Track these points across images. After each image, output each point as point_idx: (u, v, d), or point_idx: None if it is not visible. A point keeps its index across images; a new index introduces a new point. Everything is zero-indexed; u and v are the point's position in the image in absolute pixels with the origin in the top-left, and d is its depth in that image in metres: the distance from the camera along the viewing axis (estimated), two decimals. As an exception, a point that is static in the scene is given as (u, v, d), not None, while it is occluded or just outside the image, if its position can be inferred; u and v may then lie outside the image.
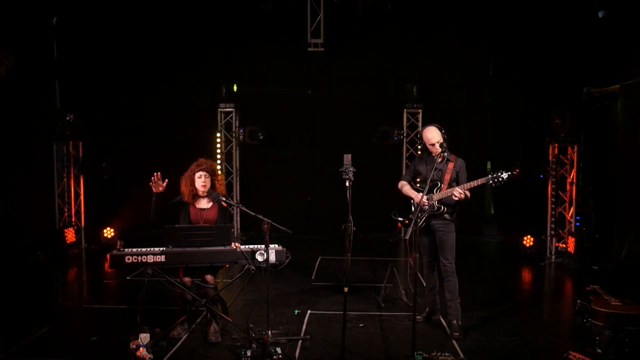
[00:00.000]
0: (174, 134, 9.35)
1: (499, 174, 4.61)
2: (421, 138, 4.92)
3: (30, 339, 4.59)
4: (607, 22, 7.81)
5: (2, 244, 7.21)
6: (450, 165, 4.78)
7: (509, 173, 4.60)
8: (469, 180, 4.76)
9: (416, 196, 4.88)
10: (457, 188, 4.63)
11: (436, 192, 4.79)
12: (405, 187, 5.01)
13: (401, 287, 5.73)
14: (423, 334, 4.71)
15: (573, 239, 7.58)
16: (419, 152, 9.28)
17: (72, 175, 8.56)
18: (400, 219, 5.03)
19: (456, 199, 4.61)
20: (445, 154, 4.71)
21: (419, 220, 4.79)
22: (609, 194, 7.80)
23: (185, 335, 4.67)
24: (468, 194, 4.67)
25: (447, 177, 4.77)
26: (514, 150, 8.72)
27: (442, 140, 4.74)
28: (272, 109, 9.59)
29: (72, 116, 8.26)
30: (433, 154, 4.80)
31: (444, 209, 4.78)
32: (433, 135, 4.75)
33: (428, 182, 4.59)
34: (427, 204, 4.76)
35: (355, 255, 5.14)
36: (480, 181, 4.69)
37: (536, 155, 8.18)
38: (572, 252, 7.54)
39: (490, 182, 4.65)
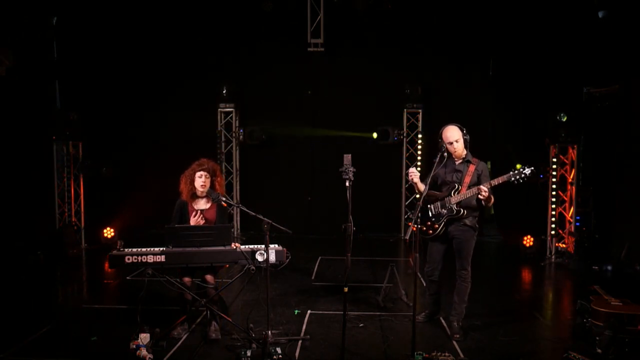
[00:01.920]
0: (173, 134, 9.34)
1: (522, 170, 4.34)
2: (440, 138, 4.61)
3: (30, 339, 4.59)
4: (607, 22, 7.81)
5: (2, 244, 7.22)
6: (472, 167, 4.57)
7: (532, 169, 4.34)
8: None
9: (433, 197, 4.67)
10: (482, 186, 4.36)
11: (454, 194, 4.60)
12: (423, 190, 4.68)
13: (401, 287, 5.73)
14: (423, 334, 4.71)
15: (573, 239, 7.58)
16: (419, 152, 9.32)
17: (72, 175, 8.57)
18: (417, 225, 4.88)
19: (482, 197, 4.37)
20: (467, 155, 4.57)
21: (437, 225, 4.66)
22: (609, 194, 7.80)
23: (185, 335, 4.67)
24: (491, 195, 4.45)
25: (467, 179, 4.56)
26: (514, 150, 8.72)
27: (461, 139, 4.54)
28: (272, 109, 9.59)
29: (76, 115, 8.28)
30: (452, 154, 4.57)
31: (463, 212, 4.56)
32: (452, 133, 4.53)
33: (428, 181, 4.40)
34: (443, 207, 4.61)
35: (355, 255, 5.12)
36: (502, 179, 4.40)
37: (536, 155, 8.19)
38: (572, 252, 7.54)
39: (512, 179, 4.37)
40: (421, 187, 4.60)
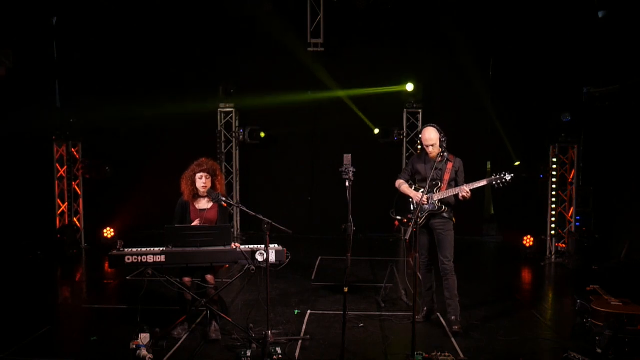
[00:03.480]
0: (173, 134, 9.35)
1: (502, 175, 4.62)
2: (420, 137, 4.94)
3: (30, 339, 4.59)
4: (607, 22, 7.81)
5: (2, 243, 7.22)
6: (450, 165, 4.82)
7: (512, 175, 4.62)
8: (468, 180, 4.77)
9: (415, 195, 4.89)
10: (464, 187, 4.65)
11: (436, 191, 4.82)
12: (404, 186, 5.02)
13: (401, 287, 5.74)
14: (423, 334, 4.71)
15: (573, 239, 7.58)
16: (419, 152, 9.30)
17: (72, 175, 8.57)
18: (399, 217, 5.03)
19: (462, 198, 4.65)
20: (445, 154, 4.75)
21: (419, 219, 4.81)
22: (609, 194, 7.80)
23: (185, 335, 4.67)
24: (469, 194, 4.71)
25: (447, 177, 4.81)
26: (513, 150, 8.72)
27: (438, 143, 4.77)
28: (272, 108, 9.57)
29: (76, 115, 8.29)
30: (430, 155, 4.84)
31: (444, 208, 4.81)
32: (431, 136, 4.79)
33: (429, 182, 4.62)
34: (427, 203, 4.77)
35: (355, 255, 5.13)
36: (483, 182, 4.71)
37: (536, 155, 8.18)
38: (572, 252, 7.54)
39: (493, 183, 4.67)
40: (414, 192, 4.91)
